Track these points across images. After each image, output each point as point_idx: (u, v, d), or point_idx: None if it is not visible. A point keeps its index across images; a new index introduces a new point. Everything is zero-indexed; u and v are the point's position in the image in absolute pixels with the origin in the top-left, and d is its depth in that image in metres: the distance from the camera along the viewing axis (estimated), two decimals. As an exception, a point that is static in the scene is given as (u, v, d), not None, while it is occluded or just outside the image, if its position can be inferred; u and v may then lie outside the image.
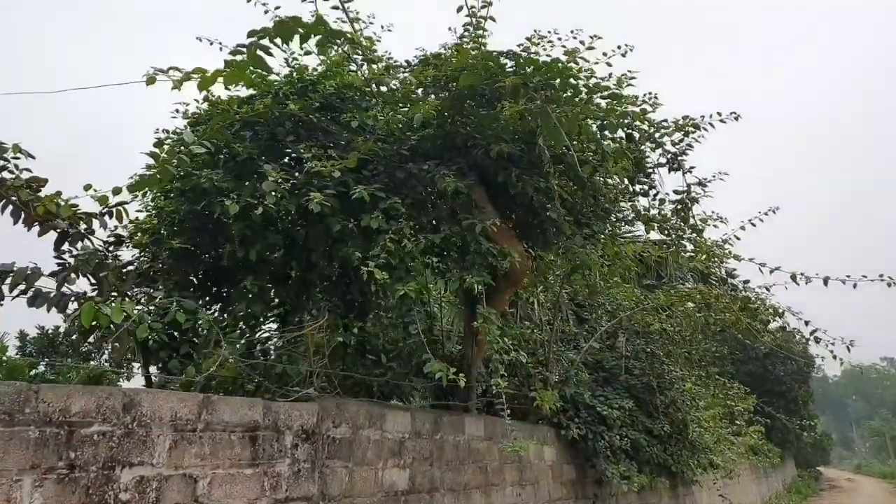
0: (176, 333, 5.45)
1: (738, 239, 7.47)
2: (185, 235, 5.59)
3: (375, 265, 5.15)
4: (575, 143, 5.72)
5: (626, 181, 6.80)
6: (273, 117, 5.83)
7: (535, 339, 9.91)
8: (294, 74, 6.20)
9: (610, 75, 6.00)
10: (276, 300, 6.48)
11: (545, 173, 5.66)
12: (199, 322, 5.24)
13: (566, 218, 5.98)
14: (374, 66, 5.70)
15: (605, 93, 5.48)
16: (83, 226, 5.09)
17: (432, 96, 5.94)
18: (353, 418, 5.85)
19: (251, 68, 3.76)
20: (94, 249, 5.59)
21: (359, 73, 6.12)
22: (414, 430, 6.67)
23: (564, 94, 4.89)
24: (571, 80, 5.05)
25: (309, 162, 5.15)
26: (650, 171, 6.57)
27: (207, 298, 5.98)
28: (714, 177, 6.32)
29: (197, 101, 5.98)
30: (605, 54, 5.92)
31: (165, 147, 5.57)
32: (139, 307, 5.27)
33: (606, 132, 5.92)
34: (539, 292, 9.27)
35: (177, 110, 6.15)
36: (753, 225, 7.78)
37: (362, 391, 8.75)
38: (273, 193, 5.07)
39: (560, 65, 4.92)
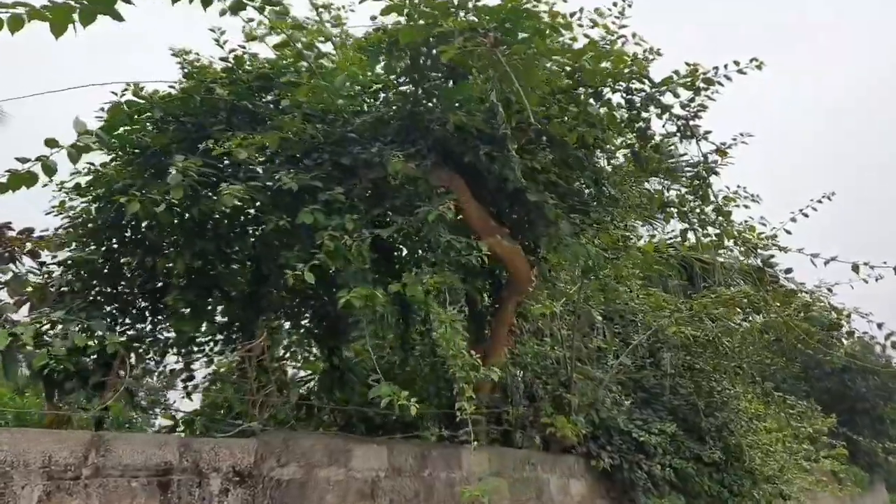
0: (91, 359, 4.61)
1: (788, 233, 6.20)
2: (100, 244, 4.78)
3: (306, 268, 4.20)
4: (551, 107, 4.66)
5: (631, 158, 5.68)
6: (200, 106, 4.99)
7: (555, 357, 8.73)
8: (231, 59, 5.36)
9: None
10: (227, 318, 5.60)
11: (501, 138, 4.60)
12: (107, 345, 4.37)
13: (550, 200, 4.89)
14: (310, 35, 4.79)
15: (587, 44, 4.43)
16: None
17: (381, 67, 4.99)
18: (307, 455, 4.88)
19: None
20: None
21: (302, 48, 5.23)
22: (392, 466, 5.64)
23: (521, 35, 3.86)
24: (534, 24, 4.02)
25: (219, 147, 4.24)
26: (657, 141, 5.43)
27: (128, 318, 5.11)
28: (735, 140, 5.13)
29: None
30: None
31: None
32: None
33: (589, 92, 4.84)
34: (553, 302, 8.11)
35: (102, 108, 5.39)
36: (805, 215, 6.49)
37: (358, 425, 7.80)
38: (181, 187, 4.19)
39: (516, 2, 3.91)
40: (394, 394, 4.19)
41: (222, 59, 5.22)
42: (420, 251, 5.28)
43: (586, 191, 5.70)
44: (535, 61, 3.85)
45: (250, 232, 5.21)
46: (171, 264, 4.77)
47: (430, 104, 5.28)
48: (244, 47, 5.36)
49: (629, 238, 5.70)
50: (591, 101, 4.82)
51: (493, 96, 4.17)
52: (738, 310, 8.65)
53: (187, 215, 4.76)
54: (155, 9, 3.76)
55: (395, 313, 7.99)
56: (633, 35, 4.74)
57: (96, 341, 4.38)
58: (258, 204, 4.76)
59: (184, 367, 5.20)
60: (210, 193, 4.57)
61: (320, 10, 4.76)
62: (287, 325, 7.11)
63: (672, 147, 5.63)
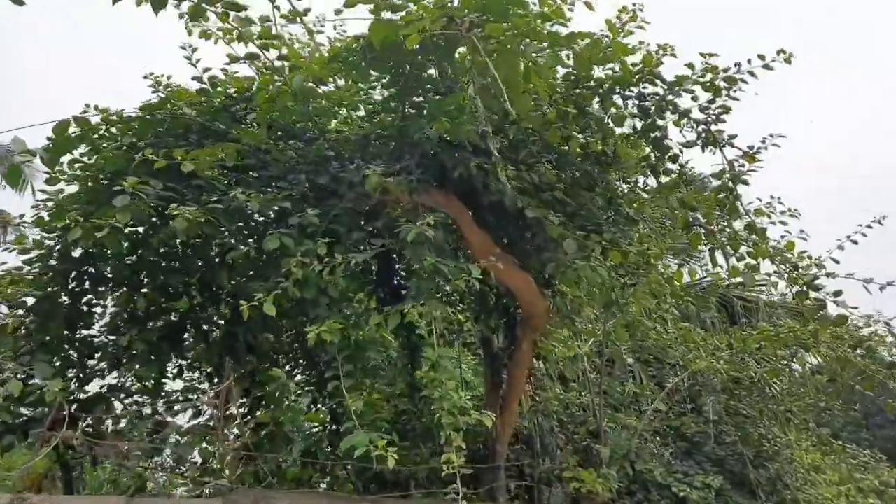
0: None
1: (835, 262, 5.47)
2: (57, 281, 4.33)
3: (268, 299, 3.66)
4: (547, 111, 4.10)
5: (647, 173, 5.07)
6: (168, 129, 4.58)
7: (582, 404, 7.96)
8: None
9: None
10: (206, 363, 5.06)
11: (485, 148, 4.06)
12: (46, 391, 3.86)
13: (554, 218, 4.29)
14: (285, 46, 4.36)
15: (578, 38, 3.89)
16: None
17: (358, 76, 4.51)
18: (282, 518, 4.25)
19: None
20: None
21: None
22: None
23: (505, 28, 3.33)
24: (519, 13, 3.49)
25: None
26: (676, 151, 4.82)
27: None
28: (764, 143, 4.47)
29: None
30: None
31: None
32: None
33: (588, 88, 4.28)
34: (578, 343, 7.40)
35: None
36: (854, 242, 5.76)
37: (367, 482, 7.12)
38: (128, 209, 3.72)
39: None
40: (370, 443, 3.56)
41: (195, 79, 4.83)
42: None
43: (599, 211, 5.08)
44: (515, 45, 3.31)
45: (224, 263, 4.71)
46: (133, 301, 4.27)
47: (420, 119, 4.78)
48: (225, 70, 4.98)
49: (649, 260, 5.01)
50: (595, 102, 4.23)
51: (470, 89, 3.63)
52: (784, 347, 7.78)
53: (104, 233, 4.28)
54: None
55: (404, 356, 7.38)
56: (640, 26, 4.17)
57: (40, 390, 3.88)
58: (226, 232, 4.27)
59: (148, 416, 4.64)
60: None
61: (288, 19, 4.32)
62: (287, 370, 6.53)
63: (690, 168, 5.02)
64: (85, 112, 4.39)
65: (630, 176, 5.25)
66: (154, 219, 4.12)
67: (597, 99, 4.40)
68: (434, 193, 5.18)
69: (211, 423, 4.32)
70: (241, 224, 4.29)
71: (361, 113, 5.04)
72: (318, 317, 3.93)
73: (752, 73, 4.44)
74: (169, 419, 4.74)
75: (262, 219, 4.39)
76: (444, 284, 3.93)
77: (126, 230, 4.12)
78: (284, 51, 4.25)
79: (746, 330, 8.45)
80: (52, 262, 4.35)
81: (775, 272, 4.76)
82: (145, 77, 4.91)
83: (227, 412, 4.44)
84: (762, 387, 8.48)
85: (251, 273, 4.51)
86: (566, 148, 4.42)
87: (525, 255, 5.16)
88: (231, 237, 4.13)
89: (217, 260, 4.41)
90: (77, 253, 4.22)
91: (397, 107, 4.71)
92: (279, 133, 4.57)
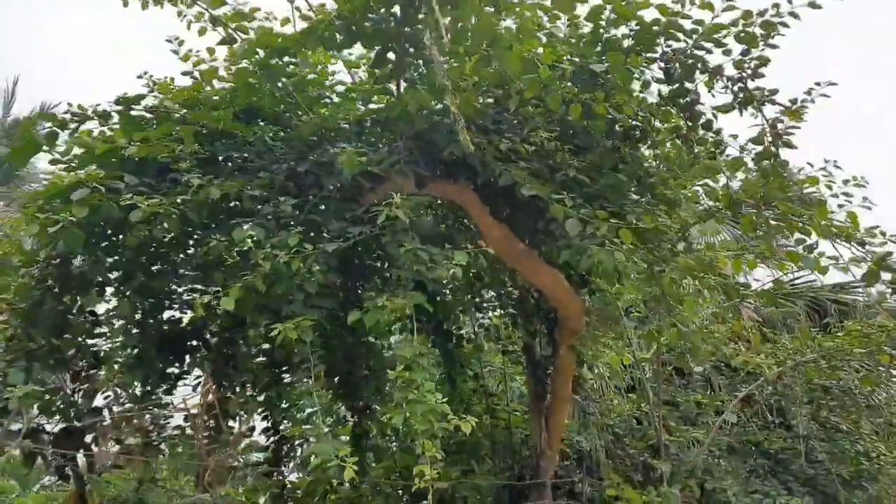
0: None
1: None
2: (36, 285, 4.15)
3: (223, 293, 3.31)
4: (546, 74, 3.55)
5: (679, 144, 4.41)
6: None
7: (641, 416, 7.20)
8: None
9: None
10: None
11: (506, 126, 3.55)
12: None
13: (562, 198, 3.73)
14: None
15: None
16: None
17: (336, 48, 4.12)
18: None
19: None
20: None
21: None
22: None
23: None
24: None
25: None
26: (710, 117, 4.16)
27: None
28: (810, 95, 3.74)
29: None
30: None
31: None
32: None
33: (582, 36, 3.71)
34: (632, 349, 6.70)
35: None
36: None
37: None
38: (85, 202, 3.47)
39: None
40: (331, 452, 3.12)
41: (185, 74, 4.60)
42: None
43: (630, 193, 4.47)
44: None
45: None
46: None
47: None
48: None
49: (675, 236, 4.32)
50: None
51: (426, 37, 3.16)
52: (877, 349, 6.77)
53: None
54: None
55: (439, 364, 6.89)
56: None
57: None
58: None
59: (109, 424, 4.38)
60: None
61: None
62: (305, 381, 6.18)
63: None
64: (69, 111, 4.23)
65: (664, 153, 4.60)
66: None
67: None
68: (441, 183, 4.73)
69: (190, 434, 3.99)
70: (218, 217, 3.95)
71: (354, 96, 4.65)
72: (293, 314, 3.54)
73: (794, 15, 3.75)
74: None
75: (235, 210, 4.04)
76: (426, 273, 3.44)
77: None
78: (255, 26, 3.93)
79: (833, 332, 7.46)
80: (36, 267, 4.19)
81: (851, 259, 4.00)
82: (139, 77, 4.72)
83: (217, 424, 4.10)
84: (855, 396, 7.44)
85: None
86: (569, 117, 3.85)
87: (546, 248, 4.60)
88: (203, 231, 3.81)
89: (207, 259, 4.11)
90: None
91: (391, 88, 4.28)
92: (261, 121, 4.25)
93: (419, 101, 3.71)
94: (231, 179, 3.89)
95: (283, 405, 5.92)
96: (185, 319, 4.45)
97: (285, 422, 6.09)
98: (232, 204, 3.92)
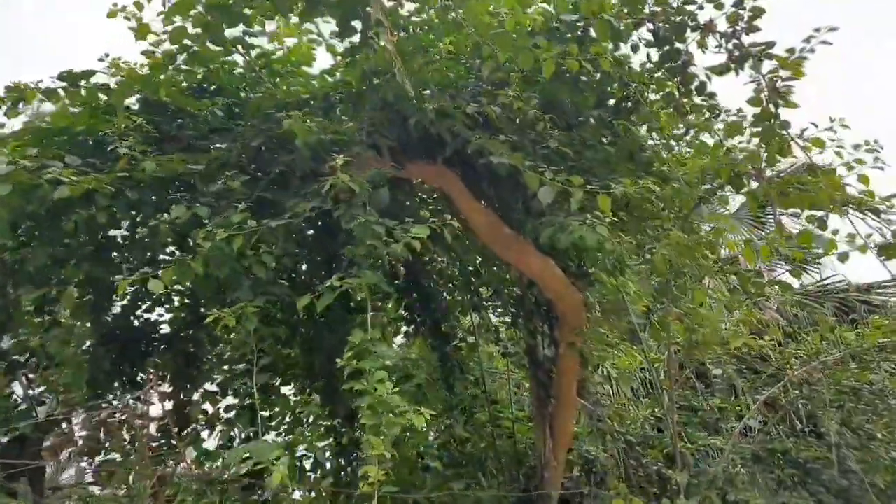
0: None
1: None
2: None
3: (150, 274, 3.00)
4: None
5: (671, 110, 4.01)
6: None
7: (656, 423, 6.72)
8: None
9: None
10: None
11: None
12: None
13: (528, 164, 3.36)
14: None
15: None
16: None
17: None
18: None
19: None
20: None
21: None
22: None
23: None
24: None
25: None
26: (703, 79, 3.77)
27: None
28: (808, 42, 3.32)
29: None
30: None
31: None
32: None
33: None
34: (645, 349, 6.24)
35: None
36: None
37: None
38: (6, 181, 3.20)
39: None
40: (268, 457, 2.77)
41: (144, 54, 4.34)
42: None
43: (623, 167, 4.08)
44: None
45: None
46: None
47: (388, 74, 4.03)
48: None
49: (671, 212, 3.92)
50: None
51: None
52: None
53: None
54: None
55: (437, 369, 6.50)
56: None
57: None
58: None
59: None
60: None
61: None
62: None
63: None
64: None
65: (660, 122, 4.21)
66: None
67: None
68: (420, 165, 4.40)
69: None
70: (166, 197, 3.66)
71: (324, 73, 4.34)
72: (238, 301, 3.21)
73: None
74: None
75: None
76: (381, 248, 3.09)
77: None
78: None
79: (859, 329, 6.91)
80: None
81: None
82: (100, 60, 4.48)
83: (172, 432, 3.77)
84: (887, 398, 6.86)
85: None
86: (539, 80, 3.50)
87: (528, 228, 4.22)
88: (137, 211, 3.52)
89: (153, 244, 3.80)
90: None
91: (360, 59, 3.96)
92: (221, 100, 3.97)
93: (375, 62, 3.39)
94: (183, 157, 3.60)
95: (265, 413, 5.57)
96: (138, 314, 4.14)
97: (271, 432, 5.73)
98: (177, 183, 3.62)
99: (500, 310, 6.57)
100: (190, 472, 4.20)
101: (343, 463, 6.17)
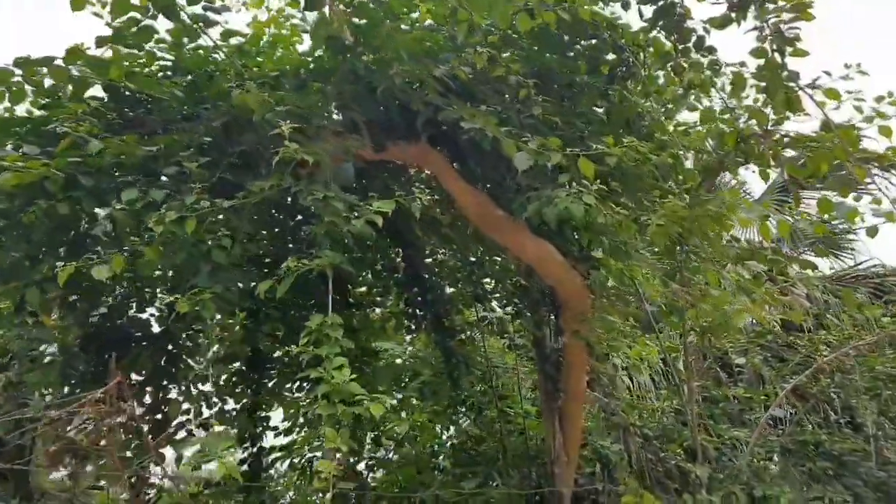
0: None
1: None
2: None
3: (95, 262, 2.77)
4: None
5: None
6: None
7: (676, 414, 6.35)
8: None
9: None
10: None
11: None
12: None
13: (503, 130, 3.07)
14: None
15: None
16: None
17: None
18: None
19: None
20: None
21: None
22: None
23: None
24: None
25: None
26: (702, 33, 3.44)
27: None
28: None
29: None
30: None
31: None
32: None
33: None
34: (661, 337, 5.87)
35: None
36: None
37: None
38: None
39: None
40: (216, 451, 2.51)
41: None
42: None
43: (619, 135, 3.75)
44: None
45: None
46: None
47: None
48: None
49: (669, 179, 3.59)
50: None
51: None
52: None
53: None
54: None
55: (443, 365, 6.19)
56: None
57: None
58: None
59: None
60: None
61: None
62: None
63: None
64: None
65: (656, 86, 3.89)
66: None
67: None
68: (402, 146, 4.12)
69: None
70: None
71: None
72: (195, 288, 2.97)
73: None
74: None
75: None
76: (340, 225, 2.82)
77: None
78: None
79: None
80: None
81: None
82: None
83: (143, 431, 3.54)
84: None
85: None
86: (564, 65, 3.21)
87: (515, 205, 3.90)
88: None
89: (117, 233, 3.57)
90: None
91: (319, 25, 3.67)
92: (180, 79, 3.73)
93: (331, 31, 3.13)
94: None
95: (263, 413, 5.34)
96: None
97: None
98: (139, 169, 3.38)
99: (504, 301, 6.25)
100: (173, 475, 3.97)
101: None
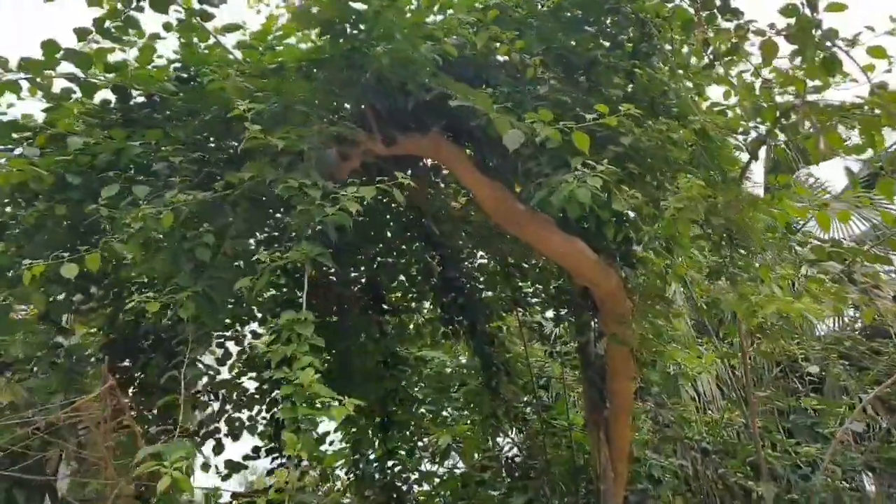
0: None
1: None
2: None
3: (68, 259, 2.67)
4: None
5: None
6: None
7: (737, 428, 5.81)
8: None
9: None
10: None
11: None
12: None
13: (496, 107, 2.80)
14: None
15: None
16: None
17: None
18: None
19: None
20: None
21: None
22: None
23: None
24: None
25: None
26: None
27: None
28: None
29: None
30: None
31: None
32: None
33: None
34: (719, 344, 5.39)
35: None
36: None
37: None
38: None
39: None
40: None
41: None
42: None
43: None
44: None
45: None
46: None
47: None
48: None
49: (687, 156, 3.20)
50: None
51: None
52: None
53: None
54: None
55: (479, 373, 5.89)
56: None
57: None
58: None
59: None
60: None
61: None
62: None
63: None
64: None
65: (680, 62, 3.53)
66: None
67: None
68: (413, 138, 3.90)
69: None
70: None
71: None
72: (177, 288, 2.83)
73: None
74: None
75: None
76: (315, 215, 2.61)
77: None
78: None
79: None
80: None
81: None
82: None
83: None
84: None
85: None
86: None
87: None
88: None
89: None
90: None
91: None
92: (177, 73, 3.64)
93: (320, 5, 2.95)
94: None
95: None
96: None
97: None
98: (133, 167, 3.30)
99: (545, 305, 5.91)
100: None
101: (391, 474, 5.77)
